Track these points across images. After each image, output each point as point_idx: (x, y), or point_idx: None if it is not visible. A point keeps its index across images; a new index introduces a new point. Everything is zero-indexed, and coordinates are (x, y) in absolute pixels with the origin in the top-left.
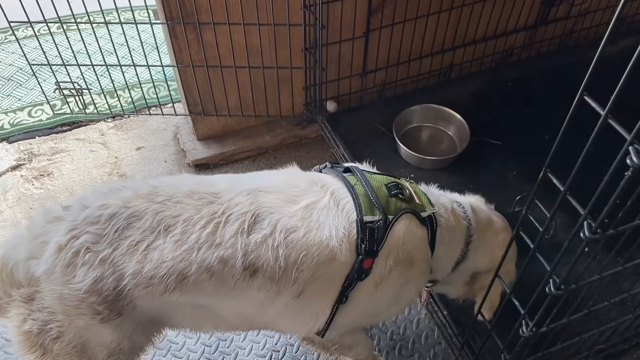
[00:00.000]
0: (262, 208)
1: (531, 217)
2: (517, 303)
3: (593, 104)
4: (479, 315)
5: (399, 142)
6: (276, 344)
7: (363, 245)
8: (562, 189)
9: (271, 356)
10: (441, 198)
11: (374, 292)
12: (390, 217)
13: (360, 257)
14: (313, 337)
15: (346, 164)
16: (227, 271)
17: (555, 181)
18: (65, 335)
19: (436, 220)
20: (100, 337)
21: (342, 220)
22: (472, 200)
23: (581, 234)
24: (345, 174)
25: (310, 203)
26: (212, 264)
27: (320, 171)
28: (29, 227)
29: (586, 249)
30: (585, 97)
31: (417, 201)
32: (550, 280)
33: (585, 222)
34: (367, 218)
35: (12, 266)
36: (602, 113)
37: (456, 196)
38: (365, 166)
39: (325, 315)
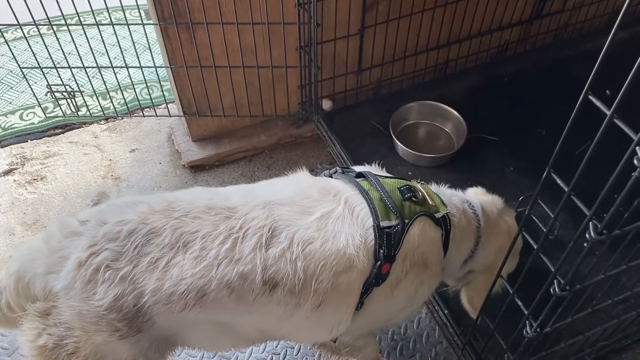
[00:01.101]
0: (278, 221)
1: (534, 218)
2: (520, 303)
3: (599, 104)
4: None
5: (396, 140)
6: (276, 347)
7: (381, 251)
8: (566, 189)
9: (271, 359)
10: (453, 198)
11: (390, 296)
12: (406, 221)
13: (379, 262)
14: (326, 342)
15: (358, 169)
16: (247, 287)
17: (559, 182)
18: (81, 351)
19: (450, 220)
20: (117, 353)
21: (358, 227)
22: (485, 200)
23: (587, 235)
24: (358, 179)
25: (325, 213)
26: (232, 280)
27: (331, 176)
28: (45, 241)
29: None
30: (590, 97)
31: (431, 202)
32: (555, 281)
33: (590, 223)
34: (383, 223)
35: (28, 280)
36: (608, 113)
37: (468, 195)
38: (374, 167)
39: (347, 323)
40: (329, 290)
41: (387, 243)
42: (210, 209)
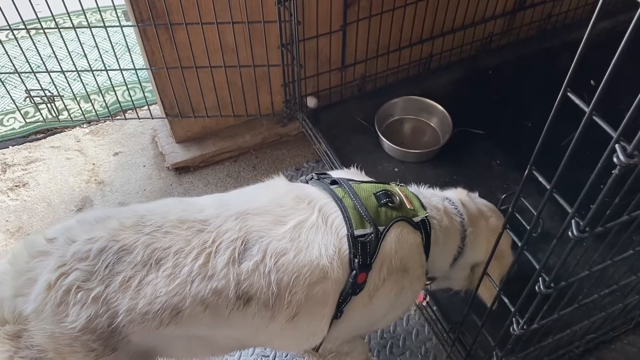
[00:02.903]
0: (251, 233)
1: (517, 215)
2: (506, 301)
3: (578, 102)
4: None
5: (382, 136)
6: (265, 349)
7: (356, 260)
8: (548, 187)
9: None
10: (433, 199)
11: (369, 303)
12: (382, 228)
13: (354, 272)
14: (309, 350)
15: (333, 175)
16: (221, 302)
17: (541, 179)
18: None
19: (429, 223)
20: None
21: (332, 237)
22: (458, 194)
23: (569, 233)
24: (332, 186)
25: (298, 222)
26: (206, 296)
27: (307, 182)
28: (12, 262)
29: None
30: (569, 94)
31: (409, 206)
32: (540, 278)
33: (573, 221)
34: (357, 232)
35: None
36: (587, 110)
37: (445, 192)
38: (353, 171)
39: (323, 333)
40: (303, 302)
41: (362, 252)
42: (182, 223)
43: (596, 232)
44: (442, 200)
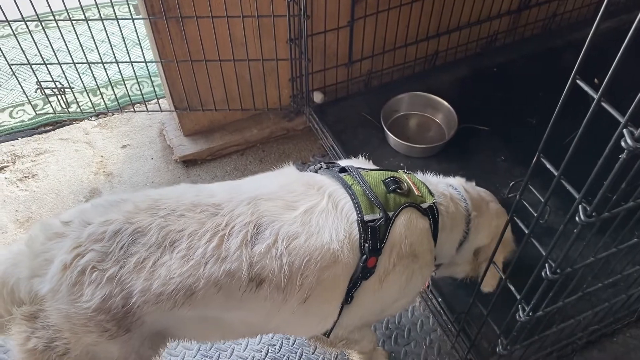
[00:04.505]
0: (263, 217)
1: (525, 203)
2: (512, 288)
3: (586, 88)
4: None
5: (387, 131)
6: (272, 338)
7: (366, 245)
8: (555, 173)
9: (268, 350)
10: (439, 186)
11: (379, 288)
12: (391, 213)
13: (364, 256)
14: (320, 336)
15: (342, 163)
16: (234, 284)
17: (549, 166)
18: (72, 352)
19: (437, 209)
20: (108, 353)
21: (342, 222)
22: (458, 181)
23: (576, 218)
24: (341, 174)
25: (308, 208)
26: (220, 278)
27: (316, 172)
28: (28, 244)
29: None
30: (578, 82)
31: (417, 193)
32: (546, 264)
33: (580, 206)
34: (367, 217)
35: (13, 284)
36: (596, 97)
37: (448, 179)
38: (361, 160)
39: (333, 317)
40: (315, 285)
41: (372, 237)
42: (195, 206)
43: (603, 217)
44: (447, 186)
